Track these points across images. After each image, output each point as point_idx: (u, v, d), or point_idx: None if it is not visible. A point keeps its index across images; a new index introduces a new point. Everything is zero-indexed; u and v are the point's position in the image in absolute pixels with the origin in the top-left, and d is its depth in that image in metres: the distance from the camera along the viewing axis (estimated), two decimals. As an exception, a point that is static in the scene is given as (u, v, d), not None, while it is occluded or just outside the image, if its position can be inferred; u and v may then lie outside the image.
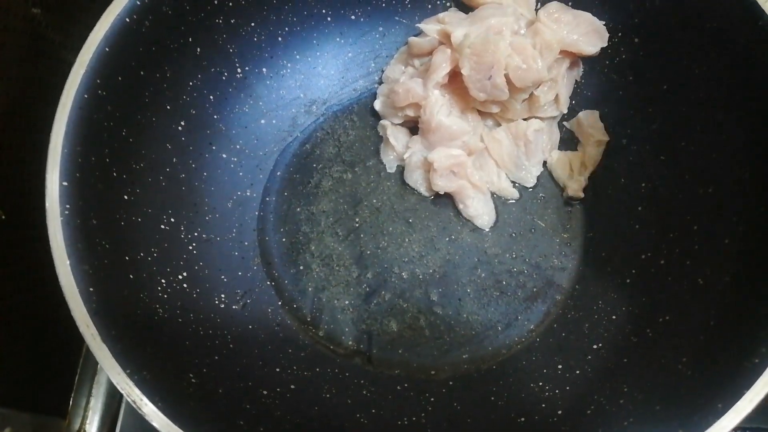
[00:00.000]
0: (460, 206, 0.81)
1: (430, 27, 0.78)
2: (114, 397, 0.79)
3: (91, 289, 0.54)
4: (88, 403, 0.76)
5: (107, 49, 0.64)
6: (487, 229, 0.80)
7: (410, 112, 0.81)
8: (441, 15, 0.78)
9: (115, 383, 0.51)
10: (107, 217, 0.63)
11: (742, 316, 0.59)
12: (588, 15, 0.77)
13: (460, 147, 0.80)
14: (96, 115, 0.63)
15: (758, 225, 0.63)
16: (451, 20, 0.76)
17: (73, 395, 0.78)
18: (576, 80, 0.84)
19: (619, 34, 0.79)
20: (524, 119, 0.81)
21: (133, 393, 0.50)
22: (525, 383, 0.70)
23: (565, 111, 0.83)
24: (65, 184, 0.58)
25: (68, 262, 0.54)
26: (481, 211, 0.80)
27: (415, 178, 0.82)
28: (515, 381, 0.71)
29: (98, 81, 0.63)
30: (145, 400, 0.50)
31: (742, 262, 0.63)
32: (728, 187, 0.68)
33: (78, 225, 0.57)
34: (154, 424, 0.50)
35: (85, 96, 0.62)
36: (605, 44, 0.77)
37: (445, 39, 0.77)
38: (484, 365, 0.73)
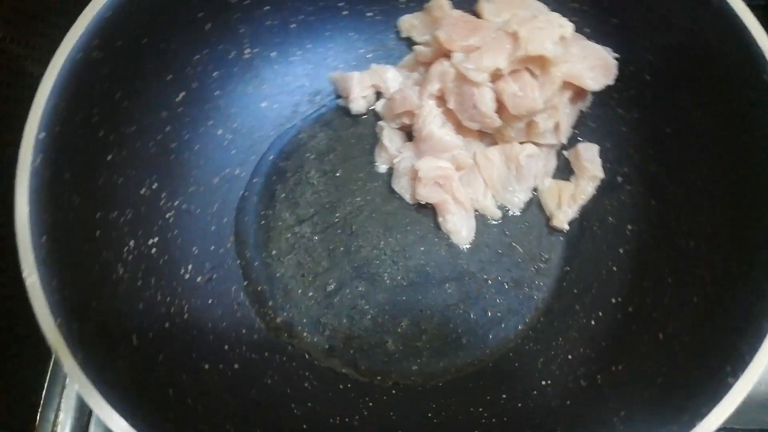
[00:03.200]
0: (440, 219, 0.80)
1: (434, 38, 0.77)
2: (84, 411, 0.77)
3: (44, 238, 0.56)
4: (56, 417, 0.75)
5: (109, 13, 0.66)
6: (464, 246, 0.79)
7: (406, 120, 0.81)
8: (448, 22, 0.77)
9: (45, 335, 0.52)
10: (84, 173, 0.65)
11: (688, 382, 0.57)
12: (598, 48, 0.75)
13: (450, 160, 0.79)
14: (88, 75, 0.65)
15: (726, 290, 0.60)
16: (455, 33, 0.75)
17: (40, 411, 0.76)
18: (581, 110, 0.81)
19: (631, 68, 0.77)
20: (521, 142, 0.80)
21: (60, 346, 0.51)
22: (465, 407, 0.69)
23: (565, 141, 0.81)
24: (42, 135, 0.60)
25: (27, 209, 0.56)
26: (459, 227, 0.79)
27: (402, 184, 0.82)
28: (456, 402, 0.70)
29: (95, 42, 0.65)
30: (68, 354, 0.51)
31: (703, 326, 0.60)
32: (709, 246, 0.66)
33: (47, 176, 0.59)
34: (73, 382, 0.51)
35: (80, 54, 0.64)
36: (611, 82, 0.75)
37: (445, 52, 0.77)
38: (431, 381, 0.73)
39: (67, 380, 0.77)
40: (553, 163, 0.82)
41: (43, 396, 0.76)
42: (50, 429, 0.76)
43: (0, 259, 0.72)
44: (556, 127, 0.79)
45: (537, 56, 0.70)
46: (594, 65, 0.74)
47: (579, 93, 0.79)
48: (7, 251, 0.56)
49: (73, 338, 0.52)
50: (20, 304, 0.53)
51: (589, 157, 0.79)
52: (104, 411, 0.50)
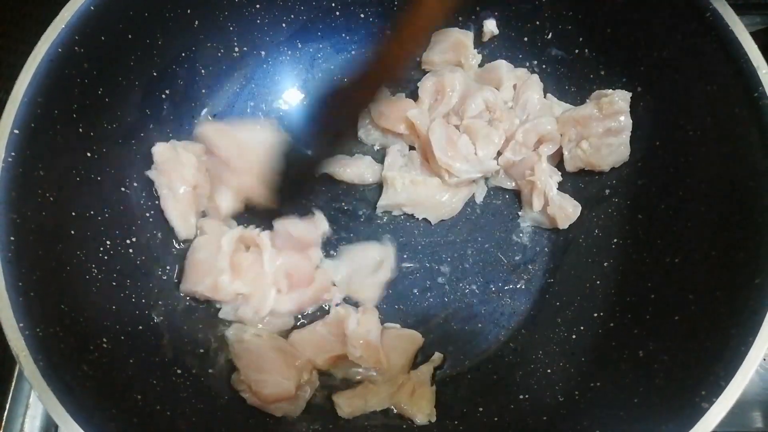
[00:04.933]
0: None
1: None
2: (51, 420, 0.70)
3: (12, 238, 0.55)
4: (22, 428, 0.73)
5: (92, 8, 0.64)
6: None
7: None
8: None
9: (8, 339, 0.51)
10: (59, 170, 0.64)
11: (663, 403, 0.56)
12: None
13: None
14: (69, 70, 0.64)
15: (709, 311, 0.59)
16: None
17: (3, 423, 0.73)
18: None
19: (624, 79, 0.76)
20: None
21: (20, 351, 0.50)
22: (440, 418, 0.68)
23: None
24: (16, 132, 0.58)
25: (-6, 209, 0.55)
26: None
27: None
28: (431, 413, 0.69)
29: (77, 38, 0.64)
30: (29, 359, 0.50)
31: (683, 346, 0.59)
32: (694, 262, 0.65)
33: (19, 173, 0.58)
34: (33, 388, 0.50)
35: (59, 50, 0.62)
36: None
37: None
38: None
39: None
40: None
41: (7, 407, 0.74)
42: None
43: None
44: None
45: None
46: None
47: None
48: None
49: (36, 342, 0.52)
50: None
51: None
52: (63, 420, 0.49)
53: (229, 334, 0.71)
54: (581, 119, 0.75)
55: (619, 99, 0.74)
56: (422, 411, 0.67)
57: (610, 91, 0.75)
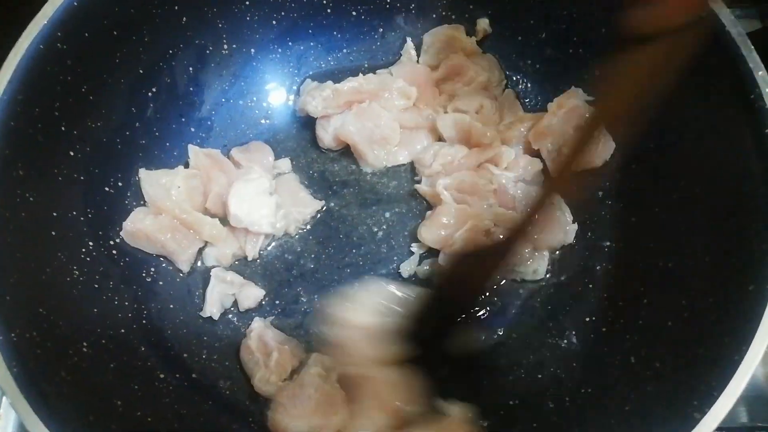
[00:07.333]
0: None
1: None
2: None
3: (-11, 240, 0.54)
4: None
5: (75, 4, 0.63)
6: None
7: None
8: None
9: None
10: (41, 170, 0.63)
11: (654, 412, 0.55)
12: None
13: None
14: (51, 66, 0.63)
15: (702, 317, 0.58)
16: None
17: None
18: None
19: (618, 82, 0.75)
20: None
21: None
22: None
23: None
24: (-6, 131, 0.57)
25: (-29, 210, 0.54)
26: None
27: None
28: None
29: (59, 34, 0.62)
30: (2, 365, 0.48)
31: (675, 353, 0.58)
32: (688, 268, 0.64)
33: (-3, 173, 0.57)
34: (6, 395, 0.49)
35: (41, 47, 0.61)
36: None
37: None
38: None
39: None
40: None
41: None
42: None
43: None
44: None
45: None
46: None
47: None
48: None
49: (10, 348, 0.50)
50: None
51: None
52: (37, 428, 0.47)
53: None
54: (547, 129, 0.75)
55: (570, 97, 0.75)
56: None
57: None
